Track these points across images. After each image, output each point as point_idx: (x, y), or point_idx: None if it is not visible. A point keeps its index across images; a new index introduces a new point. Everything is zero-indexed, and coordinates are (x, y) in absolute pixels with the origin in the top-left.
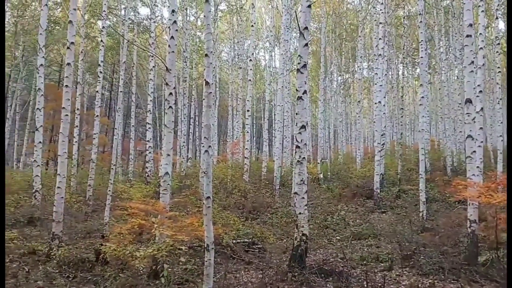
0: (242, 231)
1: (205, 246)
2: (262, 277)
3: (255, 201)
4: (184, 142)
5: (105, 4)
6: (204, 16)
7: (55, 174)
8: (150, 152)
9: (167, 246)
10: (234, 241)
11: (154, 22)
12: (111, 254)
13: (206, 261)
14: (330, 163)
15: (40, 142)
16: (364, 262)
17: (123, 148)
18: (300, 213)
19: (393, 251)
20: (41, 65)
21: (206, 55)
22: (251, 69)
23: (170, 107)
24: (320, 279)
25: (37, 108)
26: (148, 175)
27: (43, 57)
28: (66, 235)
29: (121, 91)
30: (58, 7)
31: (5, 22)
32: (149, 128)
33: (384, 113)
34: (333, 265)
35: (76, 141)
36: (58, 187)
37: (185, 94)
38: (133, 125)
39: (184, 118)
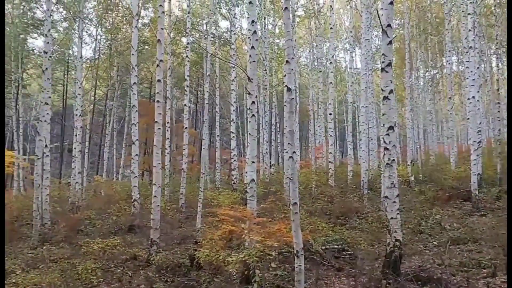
0: (330, 237)
1: (295, 252)
2: (354, 284)
3: (342, 206)
4: (266, 149)
5: (188, 21)
6: (284, 23)
7: (150, 184)
8: (235, 160)
9: (257, 251)
10: (323, 247)
11: (234, 34)
12: (205, 259)
13: (296, 267)
14: (420, 164)
15: (136, 154)
16: (464, 268)
17: (210, 157)
18: (392, 218)
19: (496, 256)
20: (134, 83)
21: (287, 61)
22: (331, 72)
23: (253, 115)
24: (416, 286)
25: (133, 124)
26: (234, 182)
27: (136, 75)
28: (163, 241)
29: (207, 103)
30: (146, 27)
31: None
32: (233, 137)
33: (478, 108)
34: (430, 272)
35: (167, 152)
36: (155, 196)
37: (265, 101)
38: (218, 135)
39: (266, 125)
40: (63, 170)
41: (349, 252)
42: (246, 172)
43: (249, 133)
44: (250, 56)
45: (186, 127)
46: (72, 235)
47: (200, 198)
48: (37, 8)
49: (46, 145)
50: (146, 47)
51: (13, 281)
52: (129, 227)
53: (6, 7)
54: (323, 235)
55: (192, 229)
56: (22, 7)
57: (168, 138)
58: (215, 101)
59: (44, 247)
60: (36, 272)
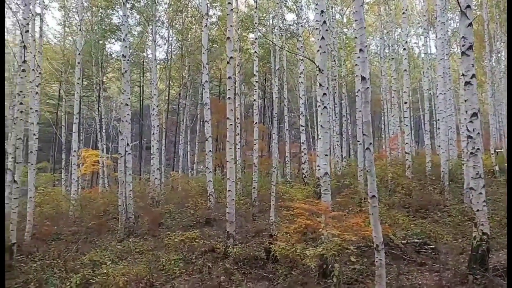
0: (410, 230)
1: (374, 246)
2: (438, 280)
3: (421, 198)
4: (337, 141)
5: (256, 17)
6: (355, 11)
7: (222, 179)
8: (305, 154)
9: (335, 245)
10: (403, 241)
11: (301, 26)
12: (281, 252)
13: (376, 261)
14: (505, 153)
15: (210, 150)
16: None
17: (279, 151)
18: (478, 210)
19: None
20: (206, 81)
21: (360, 50)
22: (405, 58)
23: (325, 107)
24: (506, 282)
25: (205, 121)
26: (305, 176)
27: (207, 74)
28: (238, 234)
29: (276, 97)
30: (214, 26)
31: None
32: (303, 130)
33: None
34: None
35: (238, 148)
36: (229, 190)
37: (335, 93)
38: (287, 129)
39: (336, 117)
40: (142, 167)
41: (431, 247)
42: (318, 166)
43: (321, 126)
44: (320, 47)
45: (256, 122)
46: (154, 228)
47: (273, 192)
48: (114, 14)
49: (127, 144)
50: (215, 45)
51: (104, 271)
52: (206, 220)
53: (86, 15)
54: (402, 229)
55: (266, 222)
56: (100, 14)
57: (238, 134)
58: (283, 95)
59: (129, 240)
60: (124, 263)
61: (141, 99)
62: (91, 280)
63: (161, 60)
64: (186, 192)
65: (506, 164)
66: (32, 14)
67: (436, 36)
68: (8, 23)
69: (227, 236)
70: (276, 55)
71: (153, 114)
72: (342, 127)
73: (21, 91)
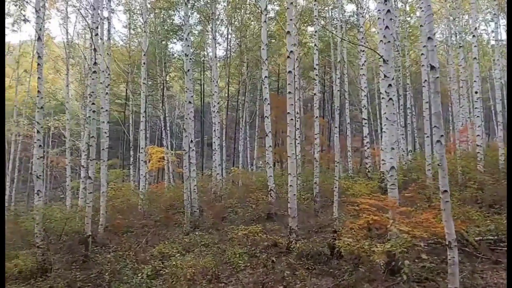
0: (484, 227)
1: (447, 243)
2: None
3: (495, 193)
4: (402, 134)
5: (315, 9)
6: None
7: (282, 174)
8: (368, 148)
9: (404, 242)
10: (477, 238)
11: (362, 16)
12: (346, 248)
13: (449, 259)
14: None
15: (270, 146)
16: None
17: (340, 146)
18: None
19: None
20: (266, 76)
21: (429, 38)
22: (475, 46)
23: (390, 99)
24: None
25: (265, 116)
26: (368, 171)
27: (266, 69)
28: (300, 229)
29: (338, 90)
30: (272, 21)
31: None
32: (365, 123)
33: None
34: None
35: (298, 143)
36: (290, 185)
37: (399, 84)
38: (348, 122)
39: (400, 109)
40: (204, 163)
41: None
42: (382, 160)
43: (386, 118)
44: (384, 36)
45: (316, 116)
46: (218, 222)
47: (336, 187)
48: (175, 15)
49: (191, 140)
50: (273, 40)
51: (173, 263)
52: (268, 215)
53: (149, 17)
54: (475, 225)
55: (329, 218)
56: (162, 15)
57: (298, 129)
58: (344, 87)
59: (195, 233)
60: (191, 255)
61: (202, 96)
62: (161, 271)
63: (220, 58)
64: (247, 187)
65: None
66: (101, 18)
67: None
68: (78, 27)
69: (290, 231)
70: (338, 47)
71: (214, 111)
72: (406, 120)
73: (92, 92)
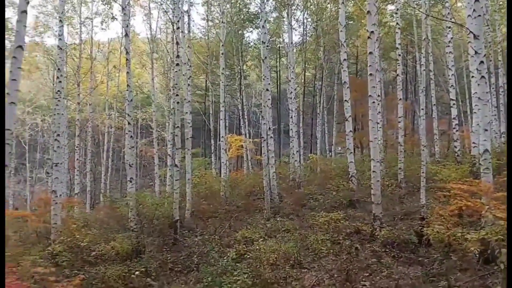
0: None
1: None
2: None
3: None
4: (494, 115)
5: None
6: None
7: (362, 160)
8: (456, 130)
9: (501, 229)
10: None
11: None
12: (435, 236)
13: None
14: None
15: (350, 130)
16: None
17: (427, 129)
18: None
19: None
20: (344, 59)
21: None
22: None
23: (482, 77)
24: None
25: (345, 100)
26: (457, 155)
27: (345, 52)
28: (385, 216)
29: (424, 70)
30: (350, 2)
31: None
32: (453, 104)
33: None
34: None
35: (379, 127)
36: (373, 171)
37: (490, 61)
38: (434, 104)
39: (492, 88)
40: (281, 150)
41: None
42: (473, 143)
43: (478, 98)
44: (473, 10)
45: (400, 99)
46: (298, 209)
47: (423, 172)
48: (250, 3)
49: (269, 128)
50: (351, 22)
51: (256, 247)
52: (349, 202)
53: (225, 8)
54: None
55: (415, 204)
56: (238, 5)
57: (379, 112)
58: (428, 67)
59: (276, 219)
60: (273, 240)
61: (278, 83)
62: (245, 255)
63: (296, 43)
64: (326, 174)
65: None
66: (181, 12)
67: None
68: (160, 23)
69: (373, 218)
70: (421, 24)
71: (291, 98)
72: (499, 99)
73: (176, 84)
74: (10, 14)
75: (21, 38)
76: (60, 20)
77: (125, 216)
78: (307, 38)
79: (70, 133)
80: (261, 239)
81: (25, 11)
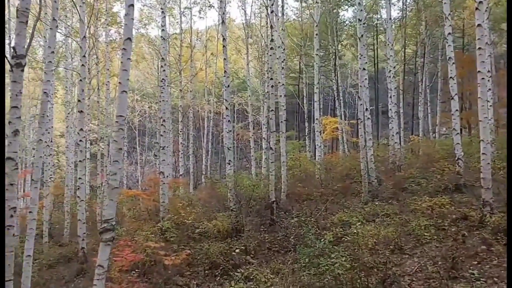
0: None
1: None
2: None
3: None
4: None
5: None
6: None
7: (470, 141)
8: None
9: None
10: None
11: None
12: None
13: None
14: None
15: (456, 110)
16: None
17: None
18: None
19: None
20: (449, 33)
21: None
22: None
23: None
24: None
25: (450, 77)
26: None
27: (450, 25)
28: (496, 202)
29: None
30: None
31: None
32: None
33: None
34: None
35: (490, 105)
36: (483, 153)
37: None
38: None
39: None
40: (380, 132)
41: None
42: None
43: None
44: None
45: None
46: (398, 193)
47: None
48: None
49: (366, 109)
50: None
51: (354, 231)
52: (455, 186)
53: None
54: None
55: None
56: None
57: (489, 89)
58: None
59: (375, 203)
60: (372, 224)
61: (376, 62)
62: (342, 238)
63: (395, 19)
64: (429, 157)
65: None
66: None
67: None
68: (254, 7)
69: (483, 203)
70: None
71: (389, 77)
72: None
73: (270, 68)
74: (117, 8)
75: (129, 30)
76: (163, 12)
77: (225, 196)
78: (407, 12)
79: (174, 119)
80: (359, 223)
81: (132, 5)
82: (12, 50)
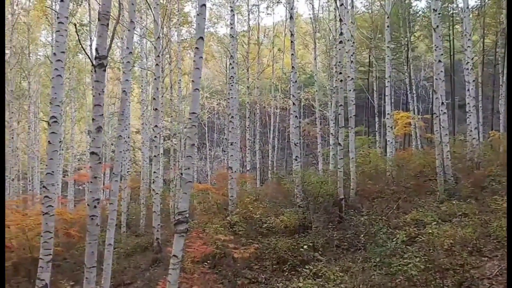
0: None
1: None
2: None
3: None
4: None
5: None
6: None
7: None
8: None
9: None
10: None
11: None
12: None
13: None
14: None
15: None
16: None
17: None
18: None
19: None
20: None
21: None
22: None
23: None
24: None
25: None
26: None
27: None
28: None
29: None
30: None
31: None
32: None
33: None
34: None
35: None
36: None
37: None
38: None
39: None
40: (456, 127)
41: None
42: None
43: None
44: None
45: None
46: (477, 191)
47: None
48: None
49: (442, 103)
50: None
51: (429, 231)
52: None
53: None
54: None
55: None
56: None
57: None
58: None
59: (452, 202)
60: (448, 225)
61: (452, 54)
62: (416, 238)
63: (473, 8)
64: None
65: None
66: None
67: None
68: (322, 1)
69: None
70: None
71: (467, 69)
72: None
73: (339, 62)
74: (188, 8)
75: (201, 30)
76: (231, 10)
77: (291, 192)
78: (486, 0)
79: (241, 115)
80: (434, 223)
81: (204, 5)
82: (94, 51)
